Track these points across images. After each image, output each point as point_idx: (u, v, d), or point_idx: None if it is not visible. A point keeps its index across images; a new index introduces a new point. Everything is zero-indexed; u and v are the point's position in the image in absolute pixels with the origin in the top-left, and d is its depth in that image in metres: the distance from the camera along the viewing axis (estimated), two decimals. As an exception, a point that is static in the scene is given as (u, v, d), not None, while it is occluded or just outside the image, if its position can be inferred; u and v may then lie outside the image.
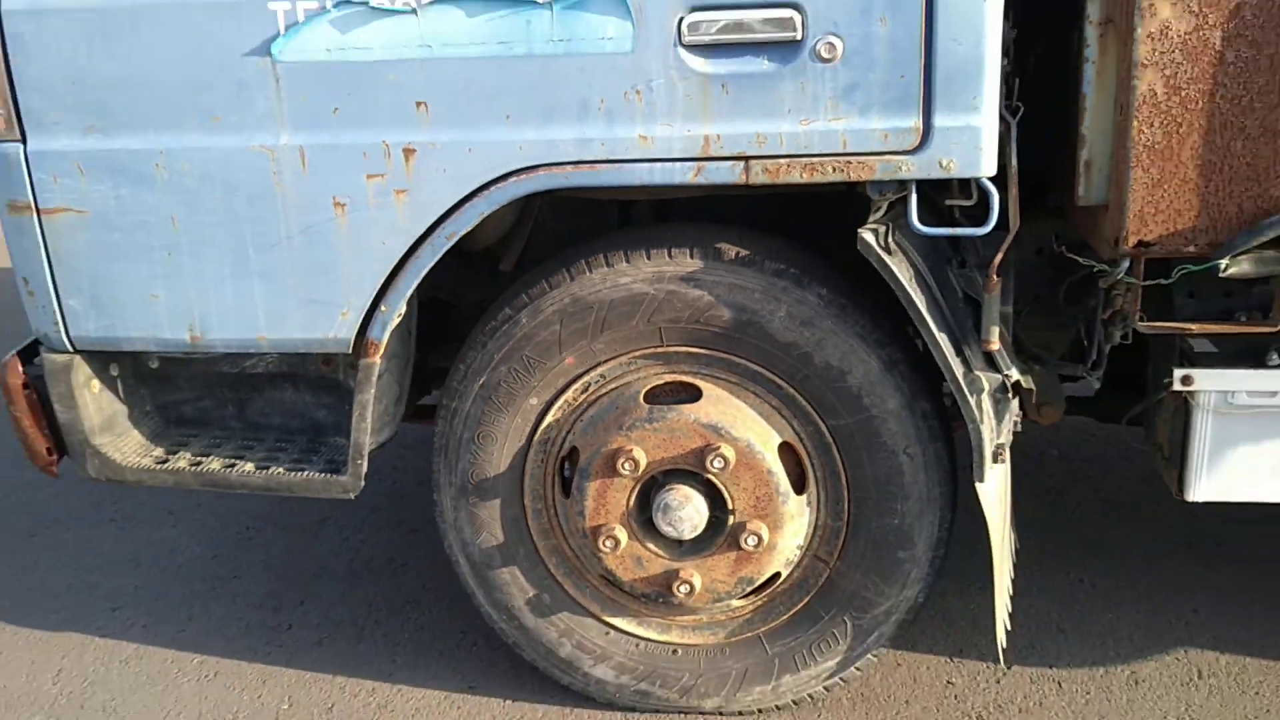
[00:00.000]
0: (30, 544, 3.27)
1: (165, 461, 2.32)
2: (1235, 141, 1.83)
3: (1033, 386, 2.19)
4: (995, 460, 2.08)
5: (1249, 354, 2.19)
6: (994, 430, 2.07)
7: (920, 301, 1.97)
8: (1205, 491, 2.29)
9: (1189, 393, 2.20)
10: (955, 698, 2.43)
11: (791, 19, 1.84)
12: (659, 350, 2.14)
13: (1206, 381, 2.20)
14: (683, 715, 2.37)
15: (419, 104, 1.97)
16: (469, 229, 2.04)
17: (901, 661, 2.54)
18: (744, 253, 2.07)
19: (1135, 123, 1.83)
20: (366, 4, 1.93)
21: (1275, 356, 2.17)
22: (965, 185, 1.95)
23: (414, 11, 1.92)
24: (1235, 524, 3.02)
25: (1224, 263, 1.87)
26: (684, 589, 2.21)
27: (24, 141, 2.11)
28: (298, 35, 1.96)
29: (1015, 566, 2.45)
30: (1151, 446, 2.44)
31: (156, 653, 2.71)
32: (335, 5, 1.94)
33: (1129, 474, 3.38)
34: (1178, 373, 2.18)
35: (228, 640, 2.75)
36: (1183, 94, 1.81)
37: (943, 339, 1.99)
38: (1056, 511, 3.19)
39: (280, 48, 1.97)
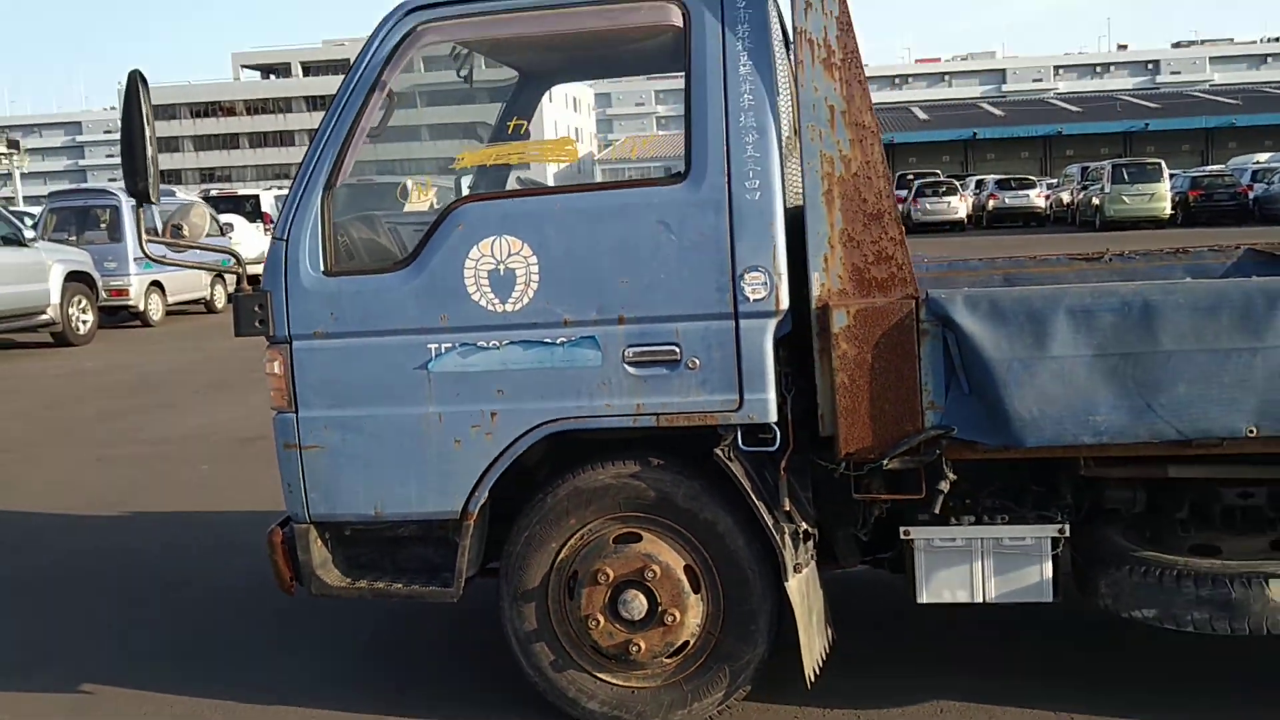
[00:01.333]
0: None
1: (358, 583, 4.25)
2: (885, 406, 3.81)
3: (814, 530, 4.09)
4: (796, 571, 3.96)
5: (943, 519, 4.11)
6: (793, 554, 3.97)
7: (747, 486, 3.91)
8: (926, 598, 4.15)
9: (909, 540, 4.12)
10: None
11: (675, 352, 3.88)
12: (619, 515, 4.08)
13: (917, 533, 4.11)
14: (639, 737, 4.16)
15: (498, 390, 4.00)
16: (522, 452, 4.03)
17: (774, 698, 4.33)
18: (660, 462, 4.04)
19: (837, 396, 3.83)
20: (474, 345, 4.00)
21: (954, 520, 4.09)
22: (766, 426, 3.93)
23: (497, 348, 3.99)
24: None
25: (885, 462, 3.83)
26: (635, 650, 4.05)
27: (296, 411, 4.16)
28: (441, 358, 4.03)
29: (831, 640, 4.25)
30: (906, 573, 4.30)
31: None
32: (458, 346, 4.01)
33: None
34: (903, 529, 4.10)
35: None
36: (858, 384, 3.81)
37: (760, 505, 3.92)
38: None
39: (433, 365, 4.03)
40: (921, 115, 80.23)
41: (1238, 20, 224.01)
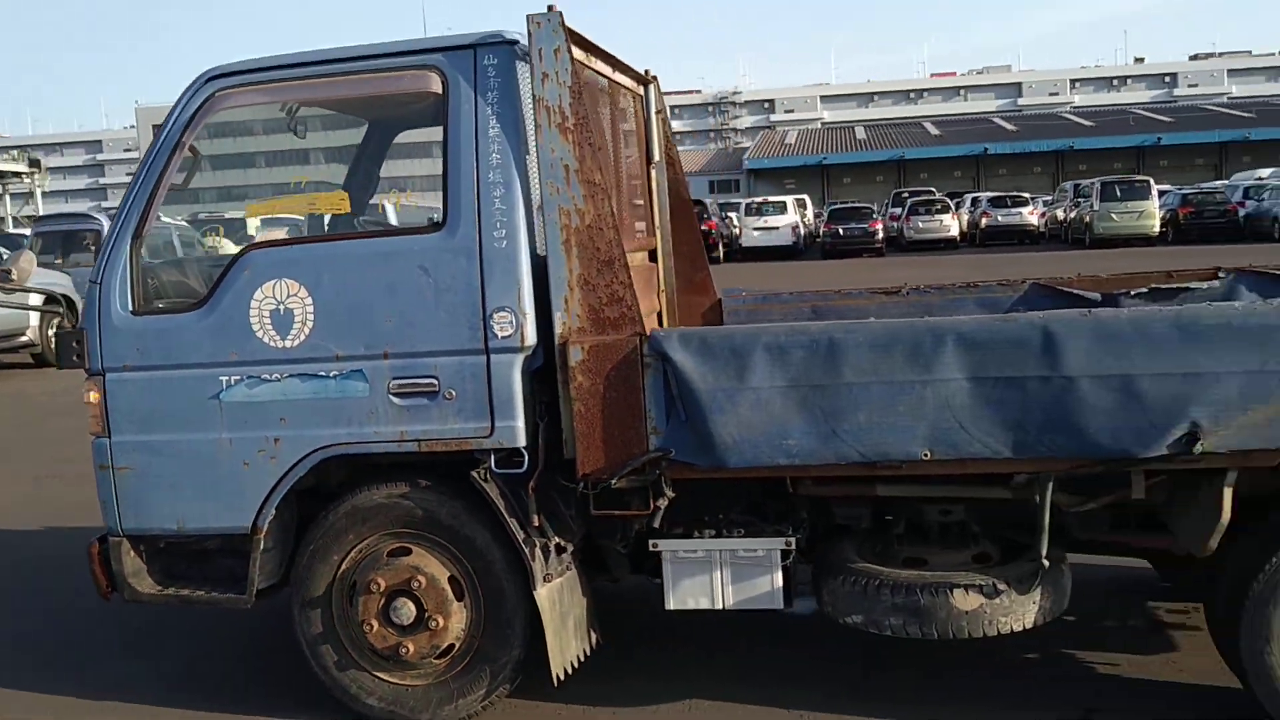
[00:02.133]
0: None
1: (166, 590, 4.72)
2: (615, 432, 4.25)
3: (568, 544, 4.53)
4: (546, 581, 4.40)
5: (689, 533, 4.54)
6: (543, 566, 4.41)
7: (500, 505, 4.36)
8: (673, 605, 4.58)
9: (658, 552, 4.56)
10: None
11: (434, 384, 4.34)
12: (392, 531, 4.53)
13: (664, 545, 4.55)
14: (419, 731, 4.61)
15: (281, 419, 4.47)
16: (302, 474, 4.49)
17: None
18: (426, 484, 4.50)
19: (575, 423, 4.27)
20: (259, 377, 4.47)
21: (696, 533, 4.53)
22: (516, 450, 4.38)
23: (279, 380, 4.46)
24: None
25: (614, 481, 4.27)
26: (406, 651, 4.50)
27: (110, 436, 4.64)
28: (231, 390, 4.50)
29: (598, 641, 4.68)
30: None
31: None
32: (245, 379, 4.48)
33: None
34: (651, 541, 4.54)
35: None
36: (592, 411, 4.26)
37: (511, 522, 4.36)
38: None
39: (224, 395, 4.51)
40: (933, 130, 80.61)
41: (1257, 31, 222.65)
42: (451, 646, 4.54)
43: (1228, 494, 3.99)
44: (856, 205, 39.39)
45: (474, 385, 4.32)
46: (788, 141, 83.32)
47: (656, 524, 4.38)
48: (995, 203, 39.52)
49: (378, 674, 4.61)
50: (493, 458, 4.38)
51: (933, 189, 45.52)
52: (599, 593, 4.88)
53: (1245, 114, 70.99)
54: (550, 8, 4.25)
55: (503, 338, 4.29)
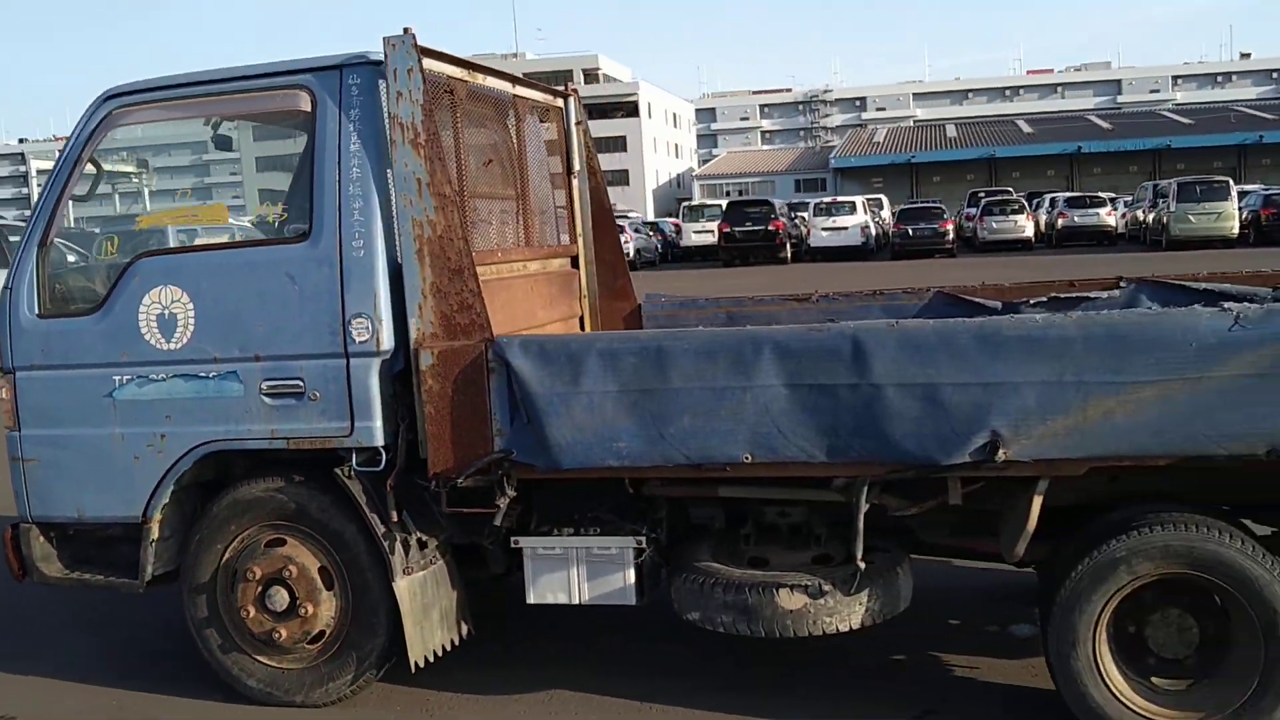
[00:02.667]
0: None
1: (71, 574, 5.08)
2: (462, 433, 4.48)
3: (429, 539, 4.77)
4: (407, 574, 4.65)
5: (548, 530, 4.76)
6: (403, 559, 4.65)
7: (362, 501, 4.62)
8: (533, 599, 4.79)
9: (519, 549, 4.78)
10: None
11: (300, 385, 4.61)
12: (270, 523, 4.82)
13: (525, 542, 4.77)
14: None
15: (167, 416, 4.79)
16: (187, 468, 4.80)
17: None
18: (300, 479, 4.77)
19: (426, 424, 4.51)
20: (147, 377, 4.79)
21: (555, 531, 4.74)
22: (376, 449, 4.63)
23: (164, 380, 4.78)
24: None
25: (460, 480, 4.49)
26: (279, 636, 4.79)
27: (20, 430, 5.01)
28: (123, 388, 4.83)
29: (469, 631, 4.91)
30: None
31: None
32: (135, 379, 4.80)
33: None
34: (514, 539, 4.76)
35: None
36: (442, 414, 4.49)
37: (373, 517, 4.62)
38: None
39: (117, 394, 4.84)
40: (1026, 128, 79.27)
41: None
42: (322, 633, 4.82)
43: (1036, 502, 4.10)
44: (927, 205, 39.02)
45: (335, 387, 4.59)
46: (876, 140, 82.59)
47: (498, 522, 4.60)
48: (1072, 203, 38.85)
49: (257, 657, 4.90)
50: (354, 456, 4.64)
51: (1009, 189, 44.95)
52: (482, 586, 5.12)
53: (1352, 111, 68.69)
54: (405, 30, 4.49)
55: (360, 343, 4.54)
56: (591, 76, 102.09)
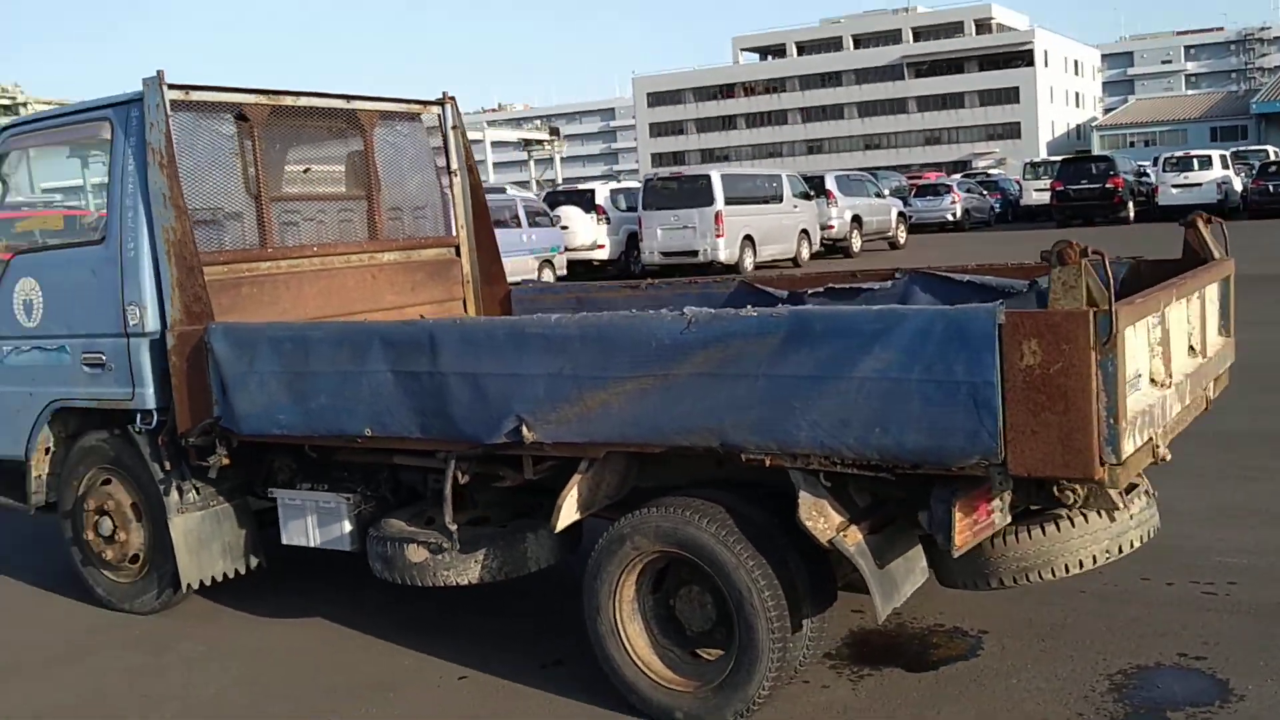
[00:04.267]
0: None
1: (-5, 498, 6.58)
2: (195, 401, 5.47)
3: (214, 487, 5.80)
4: (181, 513, 5.73)
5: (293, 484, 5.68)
6: (178, 501, 5.73)
7: (146, 452, 5.74)
8: (285, 541, 5.72)
9: (275, 498, 5.73)
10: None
11: (103, 359, 5.78)
12: (101, 465, 6.04)
13: (278, 493, 5.71)
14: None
15: (32, 379, 6.12)
16: (48, 420, 6.11)
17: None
18: (119, 432, 5.95)
19: (174, 394, 5.54)
20: (17, 349, 6.14)
21: (299, 486, 5.64)
22: (152, 411, 5.71)
23: (28, 351, 6.10)
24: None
25: (190, 440, 5.48)
26: (108, 556, 6.02)
27: (-38, 387, 6.53)
28: (6, 357, 6.21)
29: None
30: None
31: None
32: (12, 350, 6.17)
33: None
34: (270, 489, 5.73)
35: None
36: (181, 385, 5.49)
37: (154, 465, 5.73)
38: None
39: (4, 360, 6.23)
40: None
41: None
42: (137, 555, 6.00)
43: (574, 480, 4.55)
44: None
45: (121, 360, 5.72)
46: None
47: (212, 475, 5.57)
48: None
49: (102, 571, 6.17)
50: (139, 417, 5.76)
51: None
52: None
53: None
54: (158, 73, 5.51)
55: (133, 325, 5.64)
56: (984, 27, 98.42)
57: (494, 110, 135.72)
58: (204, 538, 5.82)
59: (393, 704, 4.90)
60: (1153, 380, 4.09)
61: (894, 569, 4.20)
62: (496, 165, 70.16)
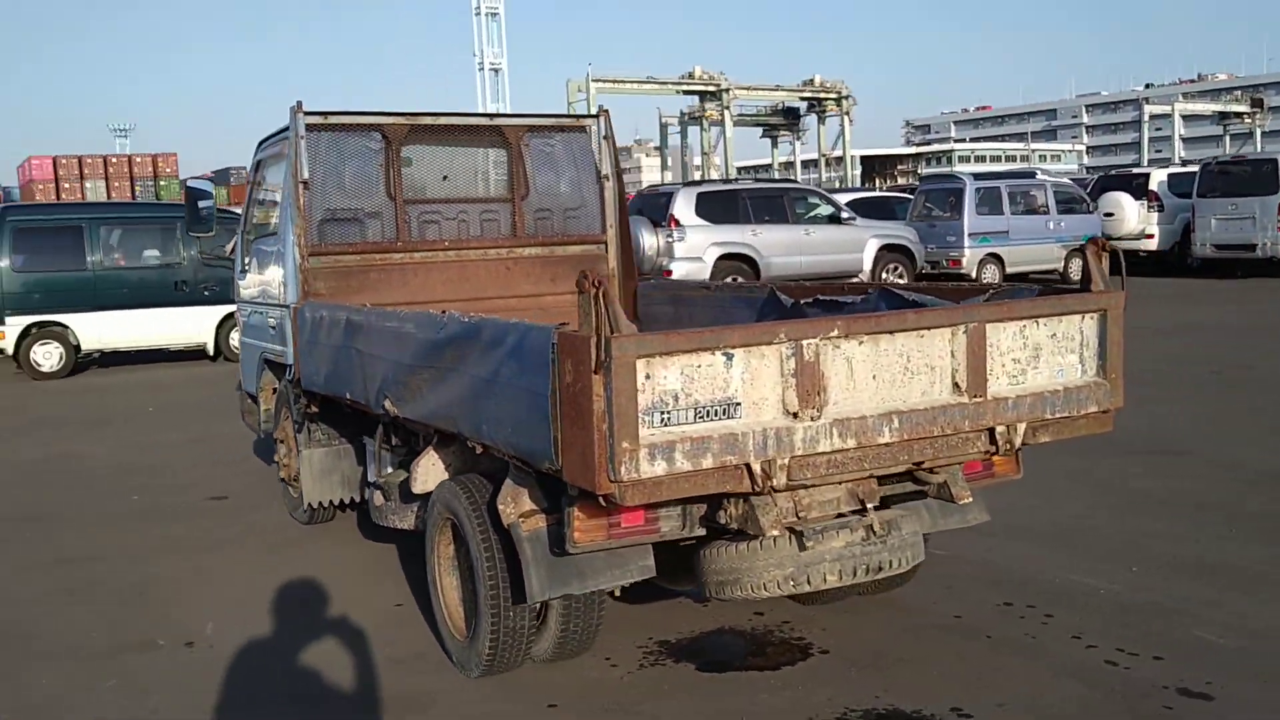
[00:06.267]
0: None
1: None
2: (311, 352, 6.99)
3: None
4: (307, 447, 7.31)
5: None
6: (307, 440, 7.30)
7: (290, 397, 7.38)
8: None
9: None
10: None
11: (274, 323, 7.51)
12: (284, 406, 7.81)
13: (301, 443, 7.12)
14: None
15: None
16: (263, 368, 8.00)
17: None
18: (291, 380, 7.67)
19: (293, 347, 7.12)
20: (251, 311, 8.10)
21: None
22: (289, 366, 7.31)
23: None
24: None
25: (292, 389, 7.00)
26: (284, 475, 7.77)
27: None
28: (250, 317, 8.22)
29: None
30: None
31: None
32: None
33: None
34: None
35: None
36: (296, 343, 7.04)
37: (295, 409, 7.37)
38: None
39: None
40: None
41: None
42: (296, 476, 7.69)
43: (426, 450, 5.41)
44: None
45: (280, 324, 7.39)
46: None
47: (299, 420, 7.03)
48: None
49: (285, 486, 7.91)
50: (288, 369, 7.40)
51: None
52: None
53: None
54: (297, 103, 7.04)
55: (284, 299, 7.32)
56: None
57: (1191, 81, 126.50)
58: (325, 469, 7.30)
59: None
60: (788, 410, 4.05)
61: (581, 560, 4.53)
62: (1186, 140, 65.73)
